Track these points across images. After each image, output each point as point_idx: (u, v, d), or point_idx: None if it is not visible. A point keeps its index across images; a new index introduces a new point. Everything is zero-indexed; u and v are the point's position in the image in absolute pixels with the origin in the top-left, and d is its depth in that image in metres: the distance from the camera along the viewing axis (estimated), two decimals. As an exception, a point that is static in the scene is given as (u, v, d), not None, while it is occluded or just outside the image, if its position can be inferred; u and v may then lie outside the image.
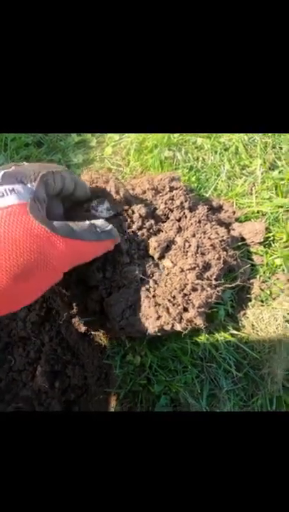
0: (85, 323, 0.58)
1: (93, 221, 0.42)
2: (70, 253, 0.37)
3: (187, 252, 0.52)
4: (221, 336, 0.59)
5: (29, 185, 0.35)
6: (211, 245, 0.54)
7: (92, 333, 0.61)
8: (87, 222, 0.41)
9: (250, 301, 0.62)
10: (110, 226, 0.44)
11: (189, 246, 0.53)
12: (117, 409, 0.59)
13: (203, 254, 0.53)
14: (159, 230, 0.54)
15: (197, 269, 0.51)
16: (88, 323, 0.56)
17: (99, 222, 0.43)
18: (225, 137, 0.74)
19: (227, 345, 0.59)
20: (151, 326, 0.49)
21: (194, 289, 0.50)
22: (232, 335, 0.59)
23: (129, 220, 0.51)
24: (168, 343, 0.58)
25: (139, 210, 0.52)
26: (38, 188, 0.36)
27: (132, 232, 0.51)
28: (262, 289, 0.63)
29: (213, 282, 0.52)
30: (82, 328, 0.62)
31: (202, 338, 0.58)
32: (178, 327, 0.50)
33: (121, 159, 0.69)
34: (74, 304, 0.58)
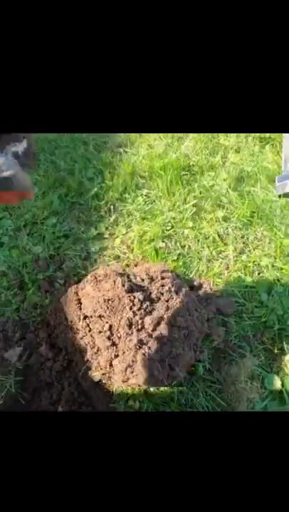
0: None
1: None
2: None
3: (173, 325, 0.74)
4: (200, 387, 0.78)
5: None
6: (192, 320, 0.75)
7: (104, 382, 0.81)
8: None
9: (224, 359, 0.82)
10: (8, 173, 0.34)
11: (174, 321, 0.74)
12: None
13: (186, 327, 0.74)
14: (153, 309, 0.76)
15: (180, 340, 0.72)
16: (100, 374, 0.76)
17: None
18: (205, 229, 0.98)
19: (205, 395, 0.78)
20: (147, 379, 0.69)
21: (178, 354, 0.71)
22: (209, 386, 0.78)
23: (131, 303, 0.73)
24: (160, 393, 0.77)
25: (138, 296, 0.74)
26: None
27: (133, 313, 0.73)
28: (233, 351, 0.83)
29: (193, 347, 0.72)
30: (96, 378, 0.82)
31: (185, 389, 0.78)
32: (165, 382, 0.70)
33: (126, 248, 0.93)
34: (90, 360, 0.78)
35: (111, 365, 0.74)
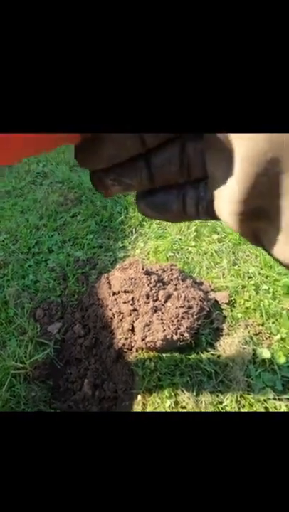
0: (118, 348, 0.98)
1: None
2: None
3: (179, 299, 0.98)
4: (203, 355, 0.96)
5: None
6: (193, 297, 0.99)
7: (124, 352, 1.00)
8: None
9: (222, 335, 1.01)
10: None
11: (180, 296, 0.98)
12: (138, 409, 0.91)
13: (188, 301, 0.98)
14: (165, 288, 1.01)
15: (184, 308, 0.95)
16: (123, 339, 0.96)
17: None
18: (204, 247, 1.28)
19: (208, 361, 0.95)
20: (160, 335, 0.90)
21: (182, 318, 0.93)
22: (211, 354, 0.96)
23: (148, 282, 0.99)
24: (171, 356, 0.95)
25: (154, 278, 1.00)
26: None
27: (150, 289, 0.98)
28: (228, 330, 1.03)
29: (194, 316, 0.95)
30: (116, 355, 1.01)
31: (192, 356, 0.96)
32: (174, 337, 0.90)
33: (144, 255, 1.23)
34: (112, 333, 0.99)
35: (132, 329, 0.95)
